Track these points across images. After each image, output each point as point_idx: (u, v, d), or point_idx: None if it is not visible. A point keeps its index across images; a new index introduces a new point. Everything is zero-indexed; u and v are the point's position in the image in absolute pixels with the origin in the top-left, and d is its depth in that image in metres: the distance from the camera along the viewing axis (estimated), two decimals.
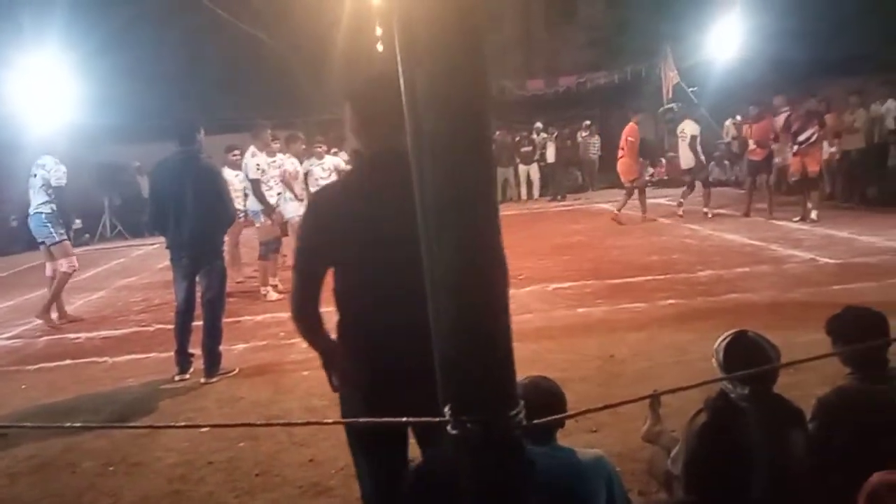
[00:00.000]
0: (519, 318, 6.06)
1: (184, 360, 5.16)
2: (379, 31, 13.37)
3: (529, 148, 15.76)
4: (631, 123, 11.32)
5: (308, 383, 4.69)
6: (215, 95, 15.92)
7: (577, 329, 5.63)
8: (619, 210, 11.30)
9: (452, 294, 0.70)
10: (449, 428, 0.71)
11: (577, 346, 5.16)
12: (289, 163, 8.21)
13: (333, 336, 2.02)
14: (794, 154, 9.84)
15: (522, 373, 3.73)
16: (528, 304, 6.52)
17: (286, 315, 6.33)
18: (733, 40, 13.68)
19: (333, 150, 11.01)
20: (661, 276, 7.12)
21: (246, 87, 16.31)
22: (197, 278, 5.08)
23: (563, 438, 3.62)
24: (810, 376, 3.82)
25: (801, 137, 9.74)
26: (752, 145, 10.70)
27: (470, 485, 0.72)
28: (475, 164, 0.70)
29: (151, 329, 6.84)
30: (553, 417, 1.62)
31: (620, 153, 11.36)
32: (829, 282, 6.30)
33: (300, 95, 16.21)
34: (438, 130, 0.70)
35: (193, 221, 4.90)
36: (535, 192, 16.10)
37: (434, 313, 0.73)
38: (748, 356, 2.33)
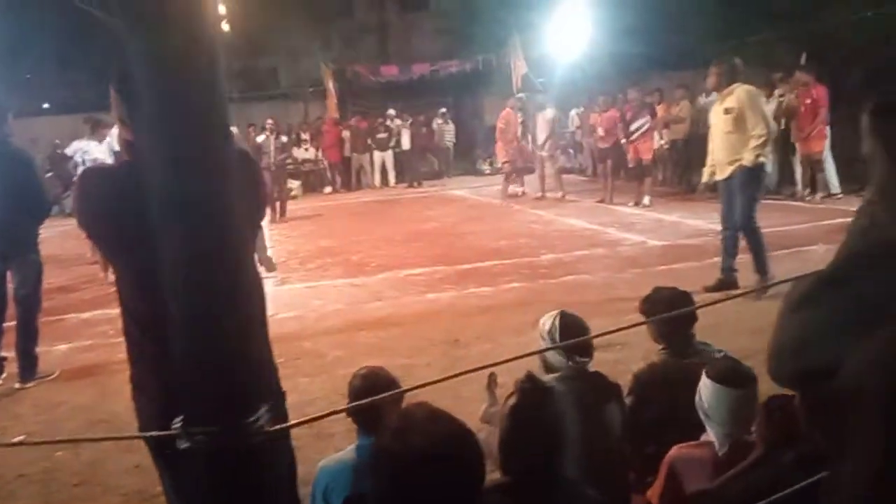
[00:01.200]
0: (369, 306, 6.04)
1: None
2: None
3: (385, 135, 15.70)
4: (506, 108, 11.68)
5: None
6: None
7: (424, 315, 5.69)
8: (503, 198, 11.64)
9: (180, 298, 0.65)
10: (179, 441, 0.66)
11: (424, 332, 5.21)
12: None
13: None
14: (629, 143, 10.53)
15: (368, 360, 3.74)
16: (379, 292, 6.51)
17: (116, 311, 5.92)
18: (576, 34, 14.31)
19: None
20: (508, 261, 7.34)
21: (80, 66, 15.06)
22: (9, 274, 4.62)
23: None
24: (631, 353, 4.07)
25: (633, 127, 10.47)
26: (601, 133, 11.13)
27: (211, 499, 0.67)
28: (203, 164, 0.65)
29: None
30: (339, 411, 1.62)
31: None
32: (656, 262, 6.79)
33: None
34: (164, 127, 0.64)
35: (1, 212, 4.44)
36: (391, 179, 16.10)
37: (170, 319, 0.67)
38: (576, 332, 2.56)
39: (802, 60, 10.14)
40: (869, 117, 0.75)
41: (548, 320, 2.66)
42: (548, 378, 2.50)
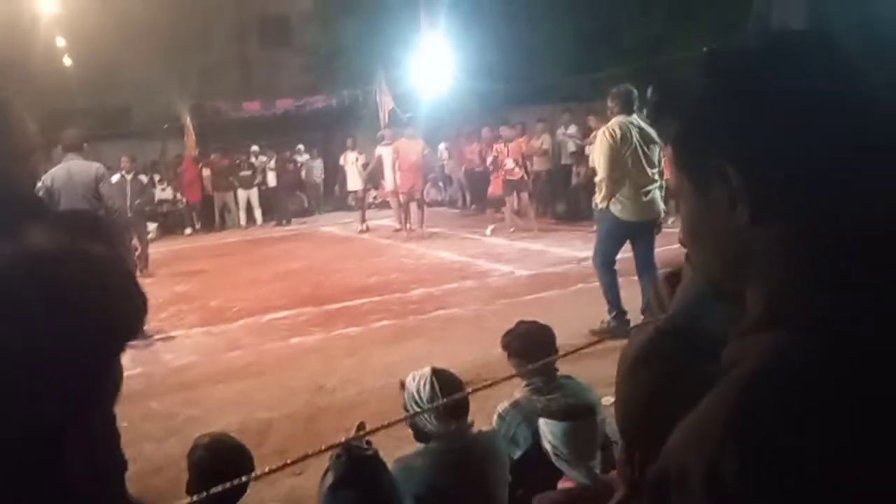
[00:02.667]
0: (227, 356, 5.64)
1: None
2: None
3: (248, 171, 15.17)
4: (401, 138, 11.62)
5: None
6: None
7: (288, 361, 5.39)
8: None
9: None
10: None
11: (287, 380, 4.93)
12: None
13: None
14: (494, 176, 10.86)
15: (225, 417, 3.40)
16: (239, 339, 6.12)
17: None
18: (439, 70, 14.56)
19: None
20: (377, 298, 7.17)
21: None
22: None
23: (267, 486, 3.38)
24: (500, 389, 3.99)
25: (488, 161, 10.87)
26: (510, 164, 10.83)
27: None
28: None
29: None
30: None
31: None
32: (524, 292, 6.85)
33: None
34: None
35: None
36: (258, 218, 15.54)
37: None
38: (453, 390, 2.29)
39: (649, 94, 10.76)
40: (664, 141, 0.66)
41: (419, 381, 2.32)
42: (421, 448, 2.29)
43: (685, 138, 0.66)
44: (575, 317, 5.30)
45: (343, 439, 1.86)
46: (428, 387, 2.29)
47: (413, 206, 11.52)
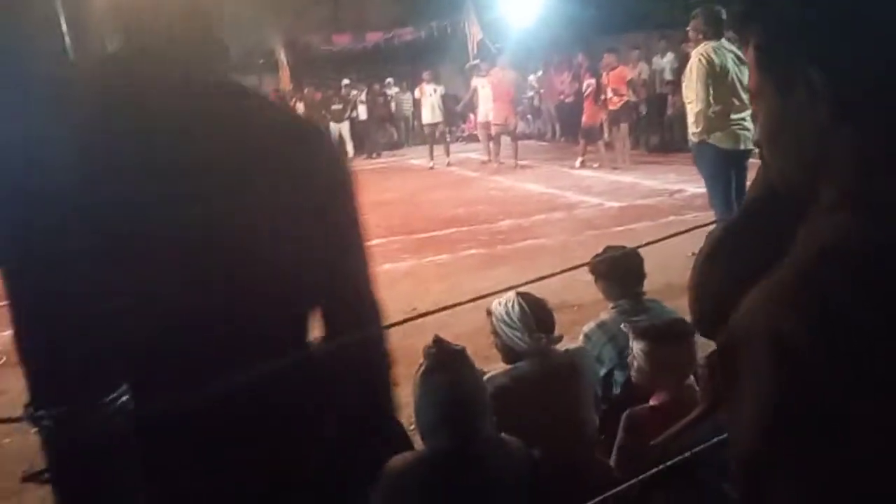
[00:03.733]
0: None
1: None
2: None
3: (340, 105, 15.44)
4: (496, 67, 11.53)
5: None
6: None
7: (382, 285, 5.53)
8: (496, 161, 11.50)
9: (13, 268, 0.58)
10: (32, 426, 0.60)
11: (382, 301, 5.16)
12: None
13: None
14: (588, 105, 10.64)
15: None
16: None
17: None
18: None
19: None
20: (466, 228, 7.31)
21: None
22: None
23: None
24: (587, 313, 4.08)
25: (585, 90, 10.58)
26: (609, 94, 10.54)
27: (59, 489, 0.62)
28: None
29: None
30: None
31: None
32: (613, 224, 6.82)
33: None
34: None
35: None
36: (350, 150, 15.86)
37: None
38: (541, 311, 2.41)
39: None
40: (746, 47, 0.71)
41: (507, 304, 2.40)
42: (508, 367, 2.40)
43: (770, 40, 0.68)
44: (665, 250, 5.23)
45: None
46: (517, 307, 2.39)
47: (505, 139, 11.49)
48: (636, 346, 2.30)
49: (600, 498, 1.17)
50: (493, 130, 11.40)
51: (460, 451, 1.71)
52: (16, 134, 0.57)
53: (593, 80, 10.78)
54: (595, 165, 10.44)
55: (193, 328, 0.88)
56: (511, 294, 2.44)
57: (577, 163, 10.63)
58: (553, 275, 1.53)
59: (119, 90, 0.92)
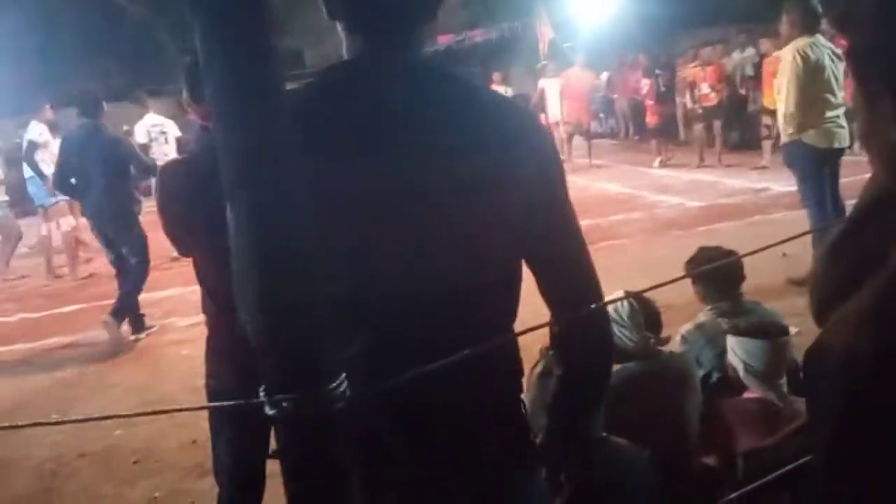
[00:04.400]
0: None
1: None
2: None
3: None
4: (573, 66, 11.59)
5: (189, 364, 4.50)
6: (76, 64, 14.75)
7: None
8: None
9: (255, 273, 0.65)
10: (266, 409, 0.67)
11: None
12: None
13: None
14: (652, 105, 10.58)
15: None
16: None
17: (164, 293, 6.09)
18: None
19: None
20: None
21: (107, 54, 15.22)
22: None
23: None
24: (676, 315, 4.03)
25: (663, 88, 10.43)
26: (705, 90, 10.35)
27: (292, 466, 0.68)
28: (259, 147, 0.64)
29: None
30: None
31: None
32: (696, 224, 6.69)
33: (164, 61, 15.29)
34: (220, 106, 0.64)
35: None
36: None
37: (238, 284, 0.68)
38: (650, 310, 2.40)
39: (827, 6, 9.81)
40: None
41: (619, 304, 2.40)
42: (618, 367, 2.41)
43: (860, 50, 0.68)
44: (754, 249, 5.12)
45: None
46: (627, 306, 2.38)
47: (579, 139, 11.42)
48: (733, 344, 2.29)
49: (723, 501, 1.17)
50: (568, 130, 11.34)
51: (576, 455, 1.74)
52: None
53: (649, 80, 10.75)
54: (667, 162, 10.32)
55: (420, 317, 0.95)
56: (620, 292, 2.45)
57: (656, 163, 10.47)
58: (664, 284, 1.53)
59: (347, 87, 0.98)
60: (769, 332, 2.26)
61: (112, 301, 5.27)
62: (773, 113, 8.74)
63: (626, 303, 2.35)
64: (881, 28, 0.65)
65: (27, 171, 7.54)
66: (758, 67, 10.99)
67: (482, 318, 1.04)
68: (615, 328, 2.33)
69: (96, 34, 15.12)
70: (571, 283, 1.12)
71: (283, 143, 0.65)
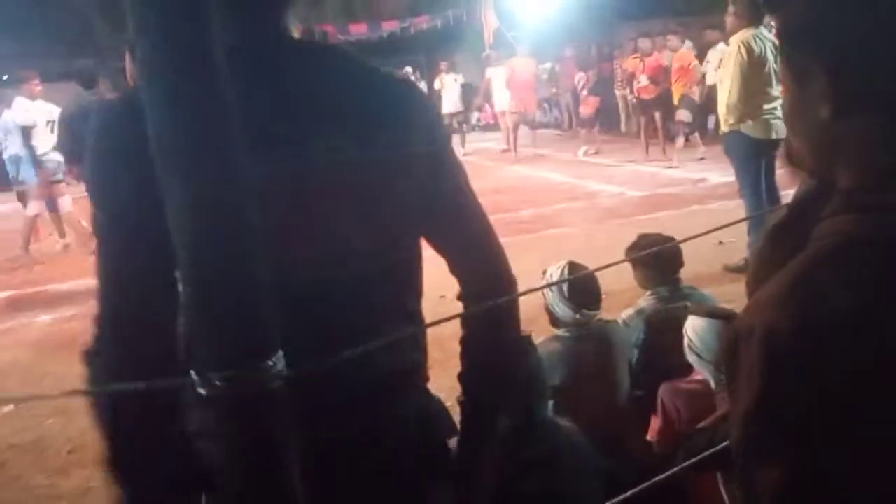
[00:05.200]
0: None
1: None
2: None
3: None
4: (516, 56, 11.56)
5: None
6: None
7: None
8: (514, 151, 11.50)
9: (185, 246, 0.62)
10: (197, 388, 0.65)
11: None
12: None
13: None
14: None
15: None
16: None
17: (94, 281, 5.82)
18: None
19: None
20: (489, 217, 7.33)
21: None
22: None
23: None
24: (616, 300, 4.11)
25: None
26: (644, 82, 10.24)
27: (227, 446, 0.66)
28: (199, 105, 0.62)
29: None
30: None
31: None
32: (636, 212, 6.84)
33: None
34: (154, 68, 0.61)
35: None
36: None
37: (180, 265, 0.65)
38: (585, 282, 2.51)
39: None
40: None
41: (555, 271, 2.60)
42: (556, 333, 2.51)
43: (786, 31, 0.69)
44: (693, 238, 5.26)
45: None
46: (559, 273, 2.55)
47: (524, 128, 11.51)
48: (689, 324, 2.34)
49: (647, 484, 1.19)
50: (513, 119, 11.41)
51: (519, 434, 1.76)
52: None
53: (583, 74, 11.13)
54: (592, 152, 10.51)
55: (316, 290, 0.91)
56: (564, 262, 2.54)
57: (581, 152, 10.70)
58: (603, 267, 1.56)
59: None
60: (720, 314, 2.32)
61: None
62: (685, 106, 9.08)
63: (560, 269, 2.53)
64: (812, 2, 0.66)
65: (8, 150, 7.06)
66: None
67: (381, 299, 1.01)
68: (549, 294, 2.43)
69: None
70: (477, 256, 1.11)
71: (221, 110, 0.62)
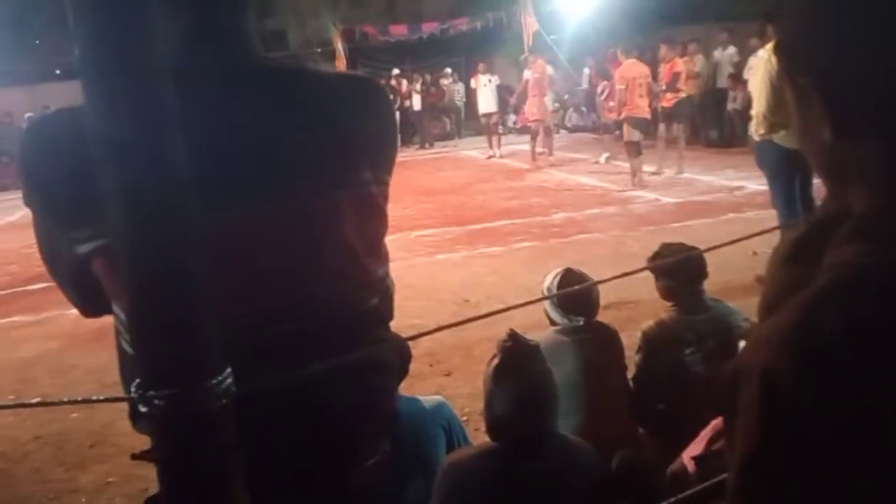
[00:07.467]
0: None
1: None
2: None
3: (392, 95, 15.53)
4: (538, 60, 11.39)
5: None
6: None
7: (435, 276, 5.67)
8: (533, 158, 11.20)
9: (125, 259, 0.60)
10: (139, 406, 0.63)
11: (435, 293, 5.20)
12: None
13: None
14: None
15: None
16: (390, 253, 6.49)
17: None
18: None
19: None
20: (519, 220, 7.29)
21: None
22: None
23: (419, 382, 3.67)
24: (643, 310, 4.04)
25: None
26: (662, 87, 9.59)
27: (168, 466, 0.64)
28: (137, 109, 0.60)
29: None
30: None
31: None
32: (669, 220, 6.71)
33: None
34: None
35: None
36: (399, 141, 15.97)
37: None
38: (579, 290, 2.49)
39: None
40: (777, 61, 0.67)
41: (549, 276, 2.63)
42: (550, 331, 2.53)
43: (784, 52, 0.65)
44: (726, 248, 5.14)
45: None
46: (552, 279, 2.59)
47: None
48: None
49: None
50: (533, 125, 11.38)
51: (527, 447, 1.72)
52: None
53: (606, 82, 10.75)
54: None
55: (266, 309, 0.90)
56: (561, 268, 2.61)
57: (603, 158, 10.51)
58: (624, 275, 1.51)
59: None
60: None
61: None
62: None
63: (554, 277, 2.57)
64: (805, 18, 0.62)
65: None
66: (738, 66, 11.04)
67: (334, 303, 1.01)
68: (546, 303, 2.50)
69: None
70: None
71: (165, 118, 0.60)
